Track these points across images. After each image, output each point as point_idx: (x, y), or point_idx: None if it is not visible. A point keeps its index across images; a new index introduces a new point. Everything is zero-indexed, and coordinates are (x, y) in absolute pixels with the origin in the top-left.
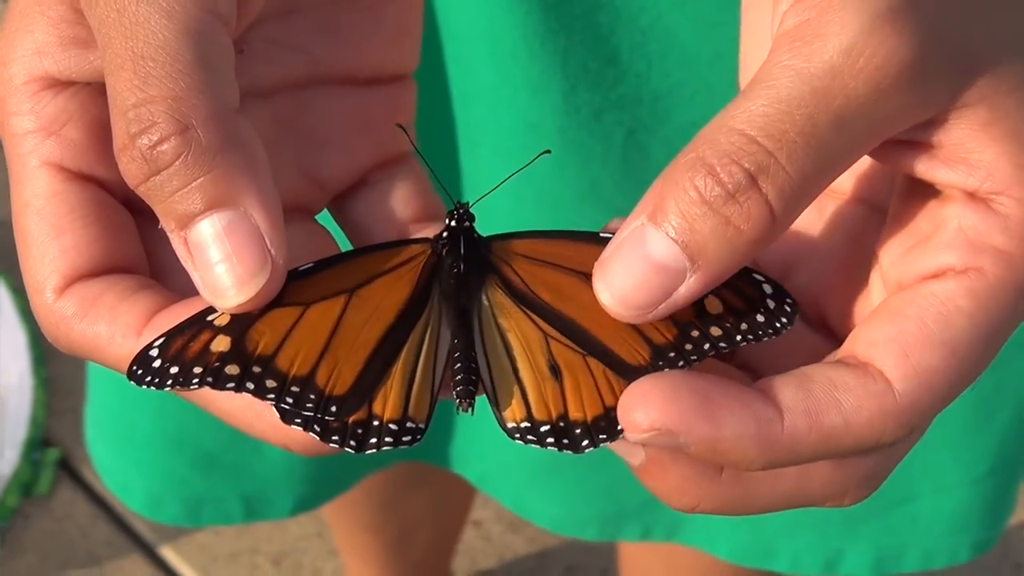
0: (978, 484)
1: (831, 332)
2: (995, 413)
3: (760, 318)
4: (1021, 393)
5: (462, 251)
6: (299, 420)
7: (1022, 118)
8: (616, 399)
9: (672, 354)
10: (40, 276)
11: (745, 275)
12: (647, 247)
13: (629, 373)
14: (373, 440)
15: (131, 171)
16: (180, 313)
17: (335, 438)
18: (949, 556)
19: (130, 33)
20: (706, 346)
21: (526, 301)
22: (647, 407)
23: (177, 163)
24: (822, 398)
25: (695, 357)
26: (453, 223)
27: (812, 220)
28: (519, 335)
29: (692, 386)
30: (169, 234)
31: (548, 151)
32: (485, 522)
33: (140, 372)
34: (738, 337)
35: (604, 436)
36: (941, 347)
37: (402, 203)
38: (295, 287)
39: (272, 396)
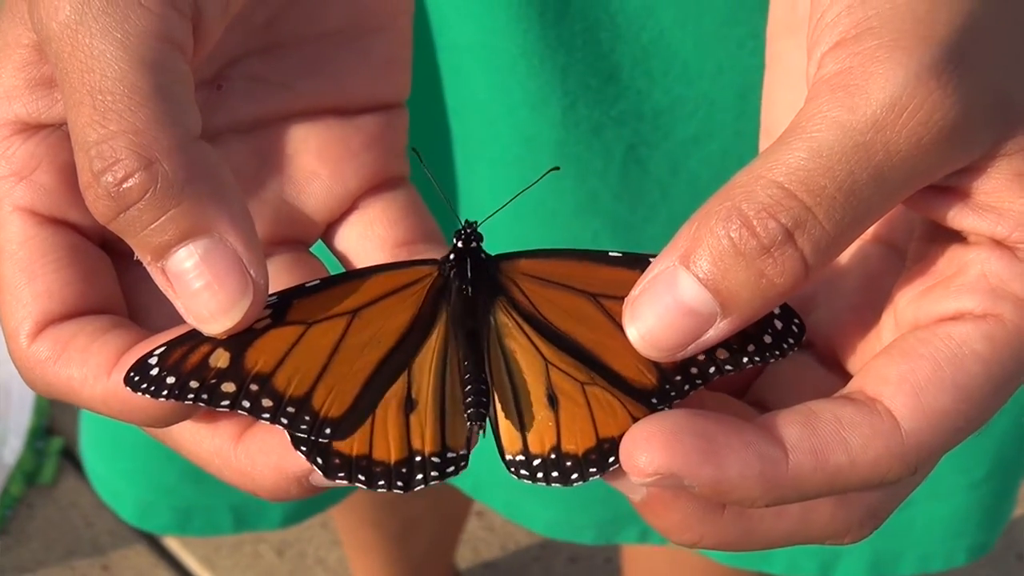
0: (976, 488)
1: (843, 370)
2: (994, 418)
3: (767, 339)
4: (1020, 398)
5: (470, 273)
6: (304, 448)
7: None
8: (609, 431)
9: (678, 377)
10: (14, 322)
11: None
12: (678, 290)
13: (636, 395)
14: (406, 477)
15: (98, 209)
16: (147, 349)
17: (340, 475)
18: (946, 560)
19: (86, 67)
20: (711, 369)
21: (532, 323)
22: (650, 451)
23: (145, 199)
24: (828, 436)
25: (700, 381)
26: (460, 244)
27: None
28: (522, 362)
29: (694, 427)
30: (146, 265)
31: (557, 168)
32: (488, 512)
33: (137, 379)
34: (744, 359)
35: (594, 469)
36: (953, 390)
37: (393, 224)
38: (299, 305)
39: (267, 416)
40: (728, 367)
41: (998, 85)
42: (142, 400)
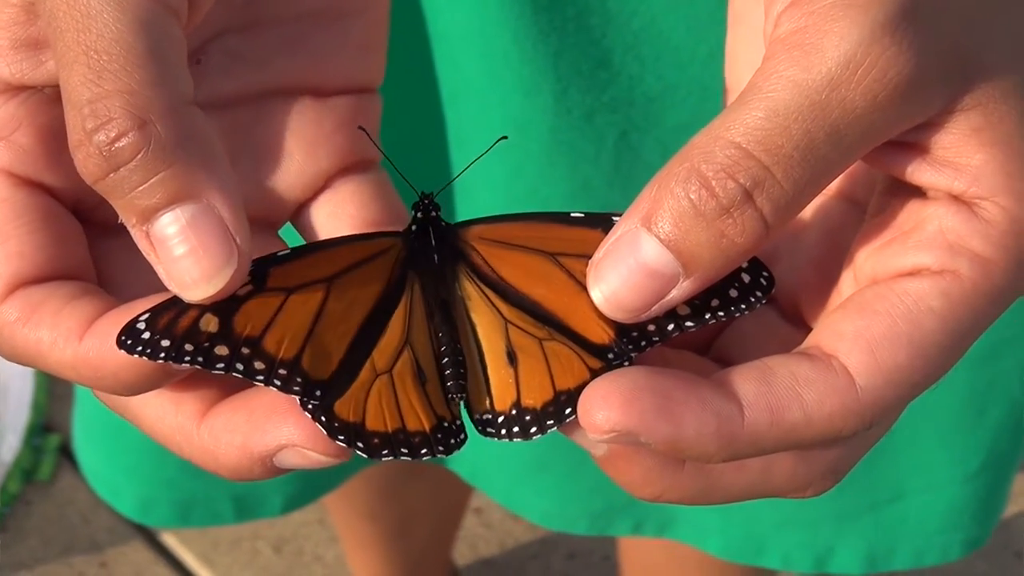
0: (970, 481)
1: (805, 325)
2: (987, 409)
3: (733, 293)
4: (1013, 390)
5: (434, 243)
6: (342, 437)
7: (1015, 125)
8: (565, 383)
9: (635, 333)
10: None
11: None
12: (640, 252)
13: (593, 351)
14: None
15: (88, 168)
16: (121, 316)
17: (384, 452)
18: (940, 554)
19: (82, 26)
20: (670, 327)
21: (491, 285)
22: (608, 409)
23: (137, 159)
24: (784, 392)
25: (657, 338)
26: (420, 215)
27: None
28: (483, 323)
29: (652, 385)
30: (130, 228)
31: (505, 137)
32: (486, 509)
33: (129, 342)
34: (707, 315)
35: (552, 422)
36: (908, 346)
37: (364, 205)
38: (276, 272)
39: (261, 378)
40: (689, 324)
41: (954, 41)
42: (114, 365)
